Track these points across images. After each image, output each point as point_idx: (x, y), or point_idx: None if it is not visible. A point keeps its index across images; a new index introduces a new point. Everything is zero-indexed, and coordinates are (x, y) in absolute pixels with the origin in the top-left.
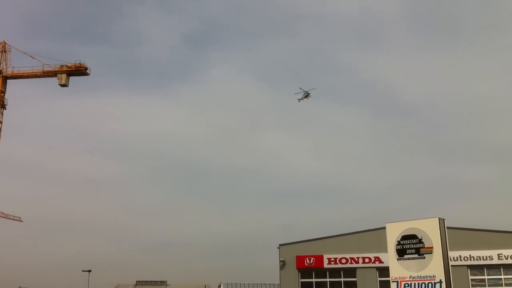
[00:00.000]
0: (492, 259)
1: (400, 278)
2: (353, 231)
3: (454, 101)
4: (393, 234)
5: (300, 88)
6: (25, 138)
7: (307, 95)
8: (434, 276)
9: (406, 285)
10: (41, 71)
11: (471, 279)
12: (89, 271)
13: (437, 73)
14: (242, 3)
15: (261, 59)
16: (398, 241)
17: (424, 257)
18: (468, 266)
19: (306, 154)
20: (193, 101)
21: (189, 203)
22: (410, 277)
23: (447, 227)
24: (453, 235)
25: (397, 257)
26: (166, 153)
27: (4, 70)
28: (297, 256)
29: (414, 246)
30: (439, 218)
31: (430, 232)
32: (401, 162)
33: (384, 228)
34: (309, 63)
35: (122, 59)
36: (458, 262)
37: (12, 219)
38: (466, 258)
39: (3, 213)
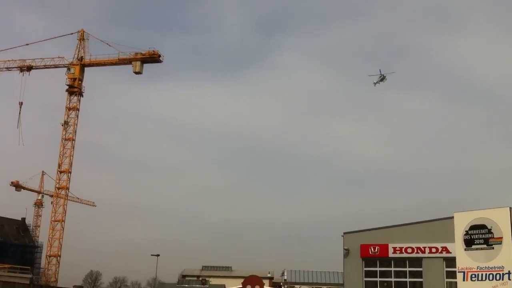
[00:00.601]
0: None
1: (467, 268)
2: (421, 220)
3: None
4: (461, 224)
5: (380, 71)
6: (101, 125)
7: (383, 78)
8: (502, 267)
9: (473, 276)
10: (117, 58)
11: None
12: (158, 255)
13: None
14: None
15: (332, 43)
16: (466, 231)
17: (493, 248)
18: None
19: (376, 141)
20: (263, 87)
21: (256, 190)
22: (477, 268)
23: None
24: None
25: (465, 247)
26: (235, 140)
27: (83, 57)
28: (361, 245)
29: (483, 236)
30: (510, 207)
31: (500, 222)
32: (475, 150)
33: (452, 217)
34: (382, 46)
35: (195, 45)
36: None
37: (86, 204)
38: None
39: (78, 198)
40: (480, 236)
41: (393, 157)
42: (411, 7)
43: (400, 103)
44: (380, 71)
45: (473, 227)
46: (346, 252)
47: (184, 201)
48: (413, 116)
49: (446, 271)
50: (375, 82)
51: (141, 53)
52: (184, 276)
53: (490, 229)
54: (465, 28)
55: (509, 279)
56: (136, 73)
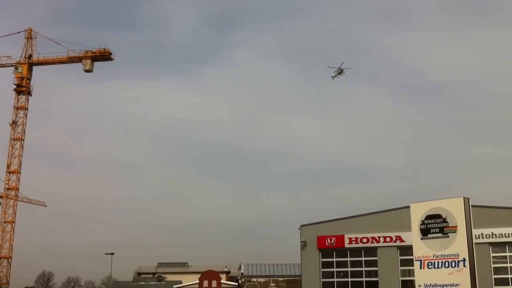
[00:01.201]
0: None
1: (423, 257)
2: (376, 211)
3: (481, 80)
4: (417, 214)
5: (330, 67)
6: (51, 124)
7: (340, 71)
8: (457, 255)
9: (430, 263)
10: (66, 57)
11: (493, 256)
12: (112, 254)
13: (465, 53)
14: None
15: (286, 41)
16: (422, 221)
17: (448, 236)
18: (490, 244)
19: (331, 135)
20: (217, 84)
21: (212, 186)
22: (433, 256)
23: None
24: (475, 213)
25: (421, 236)
26: (190, 136)
27: (31, 56)
28: (318, 237)
29: (438, 226)
30: (463, 197)
31: (454, 211)
32: (427, 142)
33: (406, 207)
34: (335, 44)
35: (146, 43)
36: (480, 240)
37: (36, 204)
38: (488, 236)
39: (28, 198)
40: (435, 226)
41: (349, 151)
42: (363, 6)
43: (354, 99)
44: (342, 64)
45: (428, 217)
46: (303, 244)
47: (139, 198)
48: (367, 111)
49: (400, 259)
50: (333, 75)
51: (91, 51)
52: (139, 274)
53: (445, 219)
54: (414, 25)
55: (464, 265)
56: (87, 71)
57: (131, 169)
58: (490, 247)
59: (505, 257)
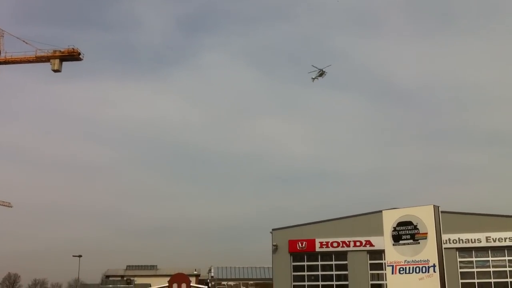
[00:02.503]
0: (480, 241)
1: (395, 262)
2: (347, 215)
3: (449, 87)
4: (389, 221)
5: (314, 66)
6: (19, 123)
7: (322, 73)
8: (428, 260)
9: (401, 269)
10: (34, 56)
11: (460, 261)
12: (80, 256)
13: (433, 59)
14: None
15: (257, 44)
16: (394, 228)
17: (419, 243)
18: (457, 249)
19: (301, 139)
20: (188, 86)
21: (182, 188)
22: (405, 262)
23: None
24: (443, 219)
25: (393, 242)
26: (160, 138)
27: None
28: (289, 240)
29: (410, 232)
30: (433, 205)
31: (425, 218)
32: (396, 147)
33: (375, 212)
34: (305, 49)
35: (116, 44)
36: (447, 245)
37: (1, 205)
38: (455, 241)
39: None
40: (407, 232)
41: (319, 155)
42: (334, 12)
43: (324, 103)
44: (314, 66)
45: (400, 224)
46: (275, 248)
47: (108, 201)
48: (338, 115)
49: (370, 264)
50: (313, 77)
51: (59, 51)
52: (107, 277)
53: (416, 225)
54: (383, 31)
55: (434, 271)
56: (55, 71)
57: (99, 171)
58: (457, 252)
59: (471, 262)
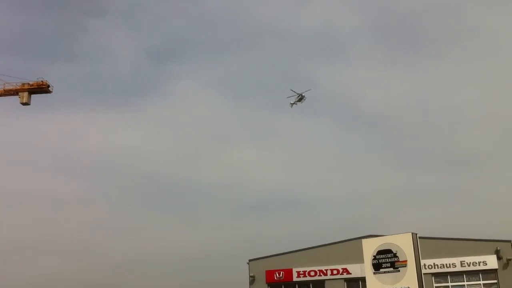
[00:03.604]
0: (455, 266)
1: None
2: (323, 242)
3: (417, 111)
4: (369, 249)
5: (292, 91)
6: None
7: (301, 98)
8: None
9: None
10: (2, 89)
11: (436, 287)
12: None
13: (400, 85)
14: (205, 19)
15: (225, 73)
16: (374, 256)
17: (399, 270)
18: (433, 274)
19: (273, 167)
20: (158, 116)
21: (153, 219)
22: None
23: None
24: (419, 244)
25: (373, 271)
26: (130, 169)
27: None
28: (266, 271)
29: (389, 260)
30: (412, 233)
31: (404, 246)
32: (368, 173)
33: (352, 239)
34: (274, 77)
35: (86, 76)
36: (424, 271)
37: None
38: (430, 266)
39: None
40: (387, 260)
41: (292, 182)
42: (300, 40)
43: (295, 130)
44: (292, 90)
45: (380, 252)
46: (252, 279)
47: (78, 235)
48: (308, 142)
49: None
50: (292, 102)
51: (28, 84)
52: None
53: (396, 253)
54: (350, 58)
55: None
56: (24, 104)
57: (69, 204)
58: (433, 278)
59: (447, 287)
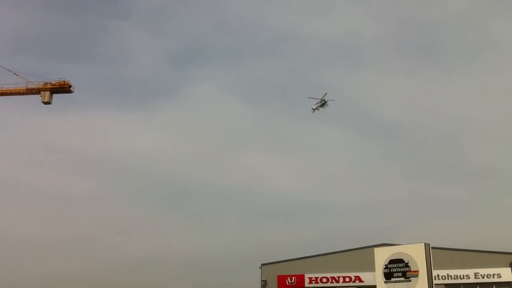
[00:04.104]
0: (469, 277)
1: None
2: (336, 249)
3: (435, 122)
4: (381, 258)
5: (311, 98)
6: (8, 156)
7: (323, 103)
8: None
9: None
10: (25, 88)
11: None
12: None
13: (418, 95)
14: (227, 24)
15: (245, 78)
16: (385, 265)
17: (410, 280)
18: (446, 285)
19: (288, 172)
20: (177, 119)
21: (170, 220)
22: None
23: None
24: (431, 255)
25: (385, 280)
26: (149, 171)
27: None
28: (278, 276)
29: (401, 270)
30: (424, 243)
31: (416, 256)
32: (384, 181)
33: (364, 247)
34: (293, 83)
35: (107, 77)
36: (436, 281)
37: None
38: (444, 277)
39: None
40: (398, 270)
41: (307, 188)
42: (320, 47)
43: (311, 137)
44: (325, 95)
45: (391, 261)
46: (264, 284)
47: (96, 234)
48: (327, 148)
49: None
50: (314, 107)
51: (50, 83)
52: None
53: (407, 263)
54: (369, 67)
55: None
56: (45, 103)
57: (88, 204)
58: None
59: None
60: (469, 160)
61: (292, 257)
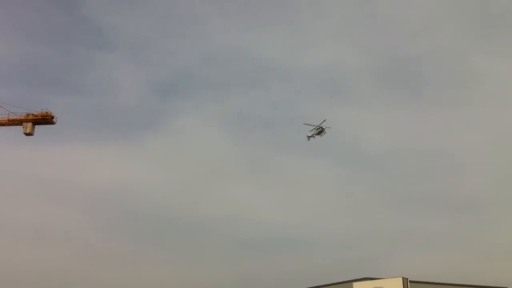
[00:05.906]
0: None
1: None
2: (316, 283)
3: (419, 154)
4: None
5: (307, 124)
6: None
7: (321, 131)
8: None
9: None
10: (7, 119)
11: None
12: None
13: (402, 127)
14: (212, 56)
15: (229, 110)
16: None
17: None
18: None
19: (272, 204)
20: (160, 150)
21: (151, 252)
22: None
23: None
24: None
25: None
26: (129, 203)
27: None
28: None
29: None
30: (402, 277)
31: None
32: (366, 214)
33: (345, 282)
34: (277, 115)
35: (91, 108)
36: None
37: None
38: None
39: None
40: None
41: (289, 221)
42: (304, 80)
43: (294, 169)
44: (323, 123)
45: None
46: None
47: (69, 267)
48: (307, 181)
49: None
50: (309, 135)
51: (33, 114)
52: None
53: None
54: (353, 99)
55: None
56: (27, 134)
57: (67, 237)
58: None
59: None
60: (450, 193)
61: None
